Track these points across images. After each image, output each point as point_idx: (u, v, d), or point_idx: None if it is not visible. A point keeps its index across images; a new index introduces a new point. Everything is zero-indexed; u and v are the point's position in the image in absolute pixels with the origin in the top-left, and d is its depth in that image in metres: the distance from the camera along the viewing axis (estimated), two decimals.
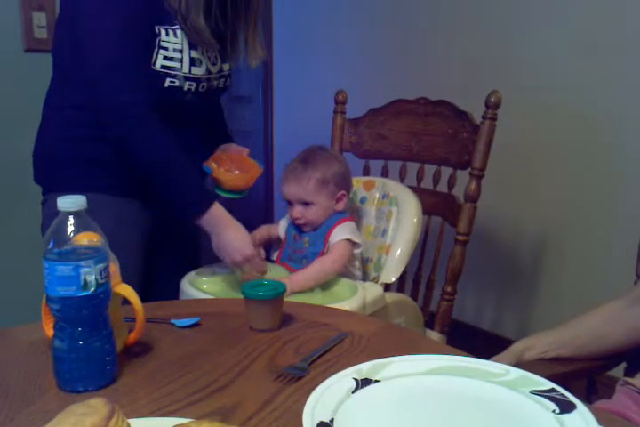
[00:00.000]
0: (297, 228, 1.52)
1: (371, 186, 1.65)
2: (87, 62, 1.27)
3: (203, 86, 1.38)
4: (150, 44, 1.29)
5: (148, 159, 1.31)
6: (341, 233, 1.46)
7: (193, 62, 1.34)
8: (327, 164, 1.49)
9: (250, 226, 1.56)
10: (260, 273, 1.39)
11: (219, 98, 1.54)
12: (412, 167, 1.76)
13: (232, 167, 1.46)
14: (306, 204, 1.46)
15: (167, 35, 1.30)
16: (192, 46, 1.34)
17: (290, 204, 1.49)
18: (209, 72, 1.39)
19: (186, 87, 1.34)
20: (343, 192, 1.50)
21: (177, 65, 1.32)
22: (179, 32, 1.31)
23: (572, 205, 2.16)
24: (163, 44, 1.30)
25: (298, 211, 1.46)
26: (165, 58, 1.30)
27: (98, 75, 1.27)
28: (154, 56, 1.29)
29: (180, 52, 1.32)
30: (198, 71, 1.36)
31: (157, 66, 1.30)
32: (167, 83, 1.32)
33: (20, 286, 2.10)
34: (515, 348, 1.10)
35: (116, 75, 1.26)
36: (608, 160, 2.04)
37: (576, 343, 1.10)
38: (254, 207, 3.33)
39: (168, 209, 1.37)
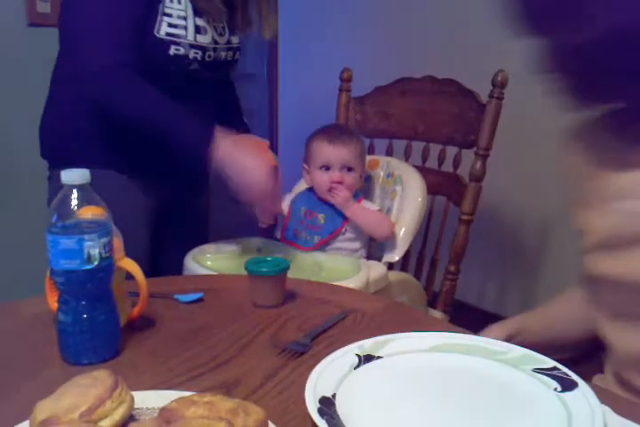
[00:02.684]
0: (310, 203, 1.51)
1: (375, 165, 1.65)
2: (74, 22, 1.25)
3: (209, 56, 1.35)
4: (153, 10, 1.26)
5: (139, 117, 1.24)
6: (371, 205, 1.51)
7: (198, 30, 1.31)
8: (361, 138, 1.55)
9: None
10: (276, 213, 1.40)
11: (229, 73, 1.52)
12: (418, 146, 1.75)
13: None
14: (348, 169, 1.47)
15: (171, 1, 1.28)
16: (197, 13, 1.31)
17: (326, 169, 1.47)
18: (215, 42, 1.36)
19: (191, 55, 1.32)
20: (365, 170, 1.55)
21: (182, 32, 1.29)
22: None
23: None
24: (166, 10, 1.27)
25: (339, 175, 1.46)
26: (170, 25, 1.28)
27: (81, 32, 1.24)
28: (157, 23, 1.27)
29: (185, 19, 1.29)
30: (204, 39, 1.33)
31: (162, 33, 1.27)
32: (172, 51, 1.29)
33: (24, 259, 2.10)
34: (498, 333, 1.06)
35: (100, 34, 1.23)
36: None
37: (556, 333, 1.08)
38: None
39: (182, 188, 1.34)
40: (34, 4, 2.32)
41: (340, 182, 1.46)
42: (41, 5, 2.34)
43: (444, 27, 2.48)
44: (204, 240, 1.53)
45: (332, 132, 1.50)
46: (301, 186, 1.60)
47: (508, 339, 0.99)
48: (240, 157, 1.22)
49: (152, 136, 1.25)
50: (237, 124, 1.56)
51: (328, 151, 1.47)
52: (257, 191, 1.24)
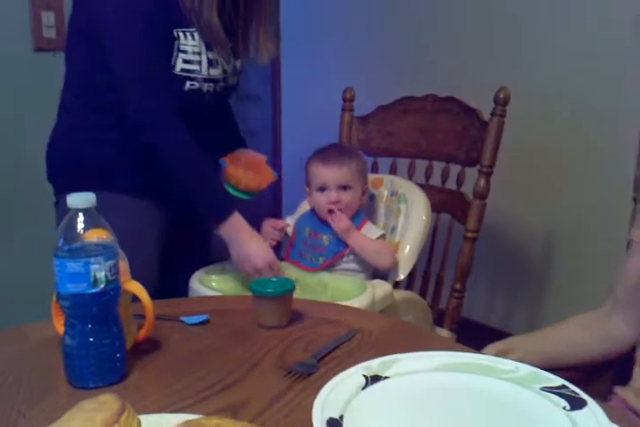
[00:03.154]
0: (314, 224, 1.51)
1: (379, 183, 1.65)
2: (113, 67, 1.28)
3: (220, 87, 1.39)
4: (170, 47, 1.30)
5: (173, 167, 1.32)
6: (375, 230, 1.50)
7: (210, 63, 1.35)
8: (359, 155, 1.56)
9: (257, 223, 1.56)
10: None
11: (231, 96, 1.55)
12: (421, 164, 1.76)
13: (248, 168, 1.46)
14: (344, 188, 1.47)
15: (185, 38, 1.31)
16: (208, 47, 1.34)
17: (323, 190, 1.48)
18: (224, 71, 1.39)
19: (205, 89, 1.35)
20: (367, 186, 1.54)
21: (196, 68, 1.33)
22: (196, 34, 1.32)
23: (581, 202, 2.15)
24: (182, 47, 1.31)
25: (336, 195, 1.46)
26: (185, 61, 1.31)
27: (125, 80, 1.28)
28: (173, 60, 1.30)
29: (199, 54, 1.33)
30: (216, 72, 1.37)
31: (177, 69, 1.31)
32: (187, 86, 1.33)
33: (31, 283, 2.11)
34: (488, 351, 1.07)
35: (143, 80, 1.27)
36: (618, 157, 2.03)
37: (554, 353, 1.08)
38: (262, 205, 3.33)
39: (188, 213, 1.37)
40: (40, 30, 2.35)
41: (337, 202, 1.46)
42: (47, 31, 2.37)
43: (445, 45, 2.50)
44: (209, 261, 1.54)
45: (328, 153, 1.50)
46: (305, 207, 1.61)
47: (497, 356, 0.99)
48: (243, 238, 1.35)
49: (175, 188, 1.34)
50: (235, 140, 1.58)
51: (323, 173, 1.47)
52: (259, 265, 1.35)
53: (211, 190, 1.35)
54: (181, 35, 1.30)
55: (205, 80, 1.35)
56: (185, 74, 1.32)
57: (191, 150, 1.31)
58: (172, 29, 1.30)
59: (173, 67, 1.30)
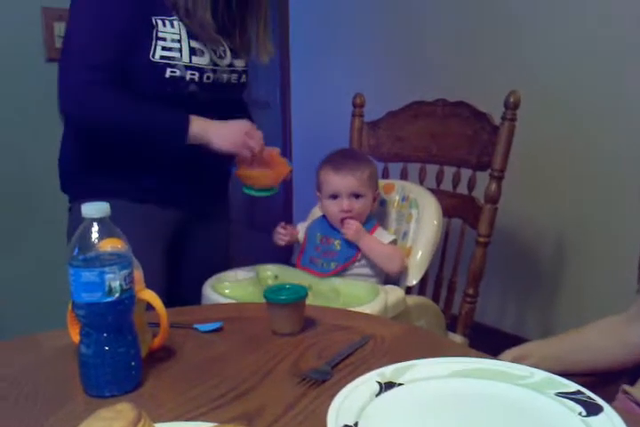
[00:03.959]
0: (325, 229, 1.52)
1: (390, 189, 1.65)
2: (63, 45, 1.31)
3: (208, 77, 1.38)
4: (148, 35, 1.30)
5: (110, 118, 1.31)
6: (386, 235, 1.50)
7: (193, 52, 1.34)
8: (370, 161, 1.56)
9: (269, 229, 1.56)
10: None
11: (237, 95, 1.54)
12: (432, 169, 1.75)
13: (260, 164, 1.45)
14: (356, 196, 1.47)
15: (164, 25, 1.31)
16: (191, 36, 1.34)
17: (335, 198, 1.48)
18: (214, 64, 1.39)
19: (188, 77, 1.34)
20: (378, 191, 1.54)
21: (176, 55, 1.32)
22: (176, 22, 1.32)
23: (592, 206, 2.14)
24: (160, 34, 1.31)
25: (347, 204, 1.46)
26: (164, 48, 1.31)
27: (64, 55, 1.29)
28: (152, 48, 1.30)
29: (179, 41, 1.33)
30: (201, 61, 1.36)
31: (156, 57, 1.31)
32: (168, 73, 1.32)
33: (46, 292, 2.12)
34: (505, 357, 1.07)
35: (75, 56, 1.28)
36: (628, 160, 2.02)
37: (570, 359, 1.07)
38: (274, 211, 3.34)
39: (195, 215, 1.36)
40: (52, 40, 2.38)
41: (349, 211, 1.46)
42: (59, 41, 2.39)
43: (455, 50, 2.50)
44: (223, 268, 1.54)
45: (338, 160, 1.50)
46: (317, 212, 1.61)
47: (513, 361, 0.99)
48: (215, 124, 1.34)
49: (129, 137, 1.32)
50: None
51: (335, 181, 1.48)
52: (234, 139, 1.34)
53: (155, 120, 1.33)
54: (160, 22, 1.31)
55: (187, 68, 1.34)
56: (164, 61, 1.31)
57: (119, 98, 1.30)
58: (150, 17, 1.30)
59: (152, 54, 1.30)
